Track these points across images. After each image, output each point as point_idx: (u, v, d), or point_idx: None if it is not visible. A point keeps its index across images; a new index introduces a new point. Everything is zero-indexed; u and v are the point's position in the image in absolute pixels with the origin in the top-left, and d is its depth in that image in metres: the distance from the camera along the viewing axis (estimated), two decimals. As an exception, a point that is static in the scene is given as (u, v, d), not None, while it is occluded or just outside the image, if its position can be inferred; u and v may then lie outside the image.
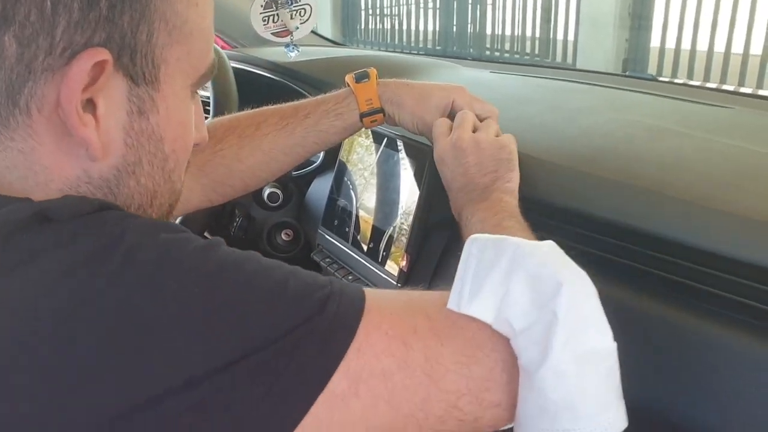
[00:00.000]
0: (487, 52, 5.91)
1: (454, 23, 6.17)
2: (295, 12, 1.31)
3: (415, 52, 6.02)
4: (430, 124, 0.82)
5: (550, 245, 0.54)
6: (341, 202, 1.03)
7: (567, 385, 0.47)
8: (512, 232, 0.61)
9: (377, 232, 0.93)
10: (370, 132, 0.98)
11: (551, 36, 5.45)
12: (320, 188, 1.14)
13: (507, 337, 0.50)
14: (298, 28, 1.33)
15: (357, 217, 0.98)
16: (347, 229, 1.00)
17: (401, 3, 6.64)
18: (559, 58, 5.40)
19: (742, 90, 1.44)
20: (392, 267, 0.88)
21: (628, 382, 0.65)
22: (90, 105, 0.46)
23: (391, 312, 0.49)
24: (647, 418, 0.63)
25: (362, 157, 1.01)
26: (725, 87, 1.84)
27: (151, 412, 0.40)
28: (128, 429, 0.40)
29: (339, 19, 6.91)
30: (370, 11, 6.88)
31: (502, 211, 0.67)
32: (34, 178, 0.47)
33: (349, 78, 0.85)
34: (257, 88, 1.24)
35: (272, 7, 1.30)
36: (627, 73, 3.99)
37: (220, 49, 1.24)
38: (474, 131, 0.78)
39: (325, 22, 6.66)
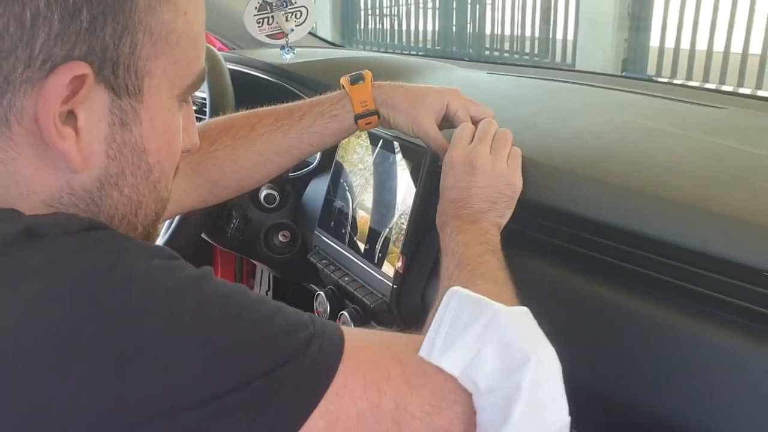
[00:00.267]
0: (487, 53, 5.90)
1: (454, 23, 6.17)
2: (290, 14, 1.31)
3: (415, 52, 6.02)
4: (424, 127, 0.82)
5: (523, 312, 0.57)
6: (338, 203, 1.03)
7: None
8: (490, 269, 0.66)
9: (374, 234, 0.93)
10: (366, 133, 0.98)
11: (550, 36, 5.44)
12: (317, 189, 1.14)
13: (470, 392, 0.52)
14: (293, 30, 1.33)
15: (353, 218, 0.98)
16: (344, 231, 1.00)
17: (401, 3, 6.64)
18: (558, 59, 5.40)
19: (736, 90, 1.45)
20: (388, 268, 0.88)
21: (620, 382, 0.65)
22: (71, 117, 0.46)
23: (367, 356, 0.51)
24: (638, 418, 0.63)
25: (359, 159, 1.01)
26: (723, 87, 1.85)
27: None
28: None
29: (338, 19, 6.90)
30: (370, 11, 6.88)
31: (486, 243, 0.71)
32: (16, 188, 0.47)
33: (344, 80, 0.86)
34: (254, 90, 1.24)
35: (267, 9, 1.30)
36: (622, 74, 4.00)
37: (217, 51, 1.24)
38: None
39: (324, 22, 6.66)
